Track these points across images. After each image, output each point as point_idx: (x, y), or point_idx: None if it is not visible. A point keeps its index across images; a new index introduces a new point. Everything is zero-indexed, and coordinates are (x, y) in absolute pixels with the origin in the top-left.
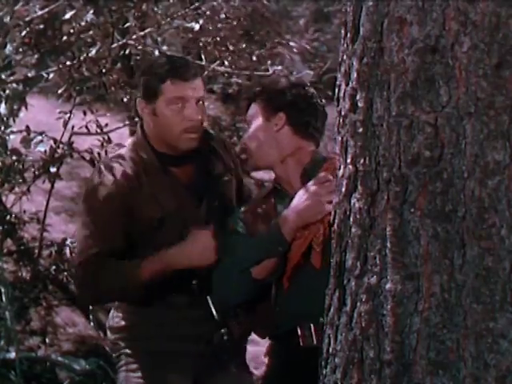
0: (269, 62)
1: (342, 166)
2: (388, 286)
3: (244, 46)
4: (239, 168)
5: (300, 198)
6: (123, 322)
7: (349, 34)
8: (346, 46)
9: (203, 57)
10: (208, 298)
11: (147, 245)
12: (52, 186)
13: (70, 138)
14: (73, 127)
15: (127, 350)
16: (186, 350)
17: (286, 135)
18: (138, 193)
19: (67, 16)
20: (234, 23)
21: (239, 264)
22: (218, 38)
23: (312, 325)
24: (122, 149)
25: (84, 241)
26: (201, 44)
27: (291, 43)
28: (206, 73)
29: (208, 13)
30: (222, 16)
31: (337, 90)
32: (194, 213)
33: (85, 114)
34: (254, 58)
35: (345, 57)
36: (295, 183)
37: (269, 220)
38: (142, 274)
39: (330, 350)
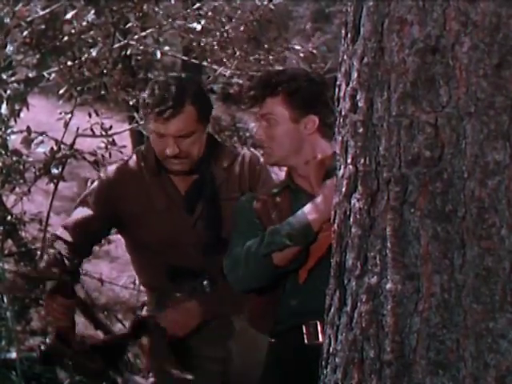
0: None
1: (342, 166)
2: (388, 286)
3: (251, 50)
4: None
5: (330, 190)
6: None
7: (349, 34)
8: (346, 46)
9: (208, 59)
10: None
11: (133, 235)
12: (55, 188)
13: (74, 140)
14: (77, 129)
15: None
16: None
17: (315, 138)
18: (126, 187)
19: (68, 16)
20: (242, 28)
21: (263, 248)
22: (224, 42)
23: (318, 322)
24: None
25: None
26: (202, 45)
27: (297, 47)
28: (210, 77)
29: (210, 14)
30: (226, 17)
31: (337, 90)
32: (183, 218)
33: (90, 116)
34: (262, 63)
35: (345, 57)
36: (317, 184)
37: (284, 216)
38: None
39: (331, 349)
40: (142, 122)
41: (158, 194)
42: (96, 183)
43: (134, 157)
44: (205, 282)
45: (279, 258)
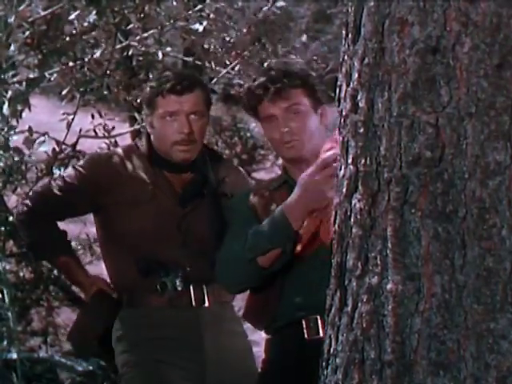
0: None
1: (342, 167)
2: (389, 286)
3: (253, 52)
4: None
5: (301, 186)
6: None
7: (350, 35)
8: (347, 46)
9: (211, 62)
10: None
11: (112, 224)
12: None
13: (76, 141)
14: (80, 130)
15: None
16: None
17: (324, 128)
18: (113, 171)
19: (72, 17)
20: (244, 30)
21: (247, 253)
22: (226, 43)
23: (318, 316)
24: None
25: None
26: (206, 46)
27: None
28: (214, 79)
29: (212, 15)
30: (229, 19)
31: (338, 91)
32: (172, 209)
33: (93, 117)
34: (265, 65)
35: (346, 57)
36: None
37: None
38: (55, 260)
39: (331, 350)
40: (143, 123)
41: (144, 185)
42: (86, 158)
43: (127, 146)
44: (177, 280)
45: (264, 260)
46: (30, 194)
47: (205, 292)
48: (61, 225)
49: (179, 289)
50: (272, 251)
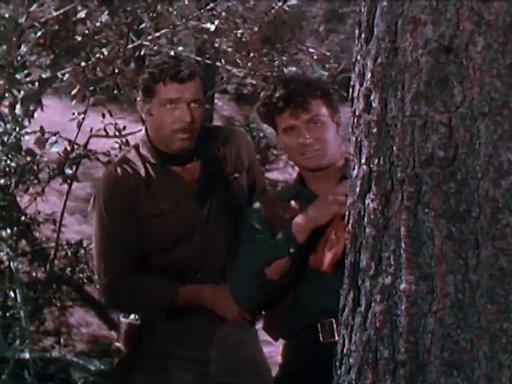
0: (290, 68)
1: (356, 167)
2: (402, 286)
3: (265, 51)
4: (255, 166)
5: (312, 204)
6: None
7: (363, 35)
8: (360, 46)
9: (222, 60)
10: None
11: (142, 240)
12: (69, 188)
13: (88, 141)
14: (91, 129)
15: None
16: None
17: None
18: (138, 191)
19: (82, 14)
20: (256, 29)
21: (251, 265)
22: (238, 42)
23: (334, 320)
24: (128, 150)
25: (106, 257)
26: (217, 45)
27: (311, 50)
28: (224, 77)
29: (223, 14)
30: (240, 18)
31: (351, 91)
32: (194, 212)
33: (103, 116)
34: (276, 64)
35: (359, 57)
36: (332, 187)
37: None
38: (177, 300)
39: (345, 350)
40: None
41: (165, 194)
42: (103, 188)
43: (132, 154)
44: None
45: (271, 272)
46: (99, 282)
47: None
48: (74, 226)
49: None
50: (277, 262)
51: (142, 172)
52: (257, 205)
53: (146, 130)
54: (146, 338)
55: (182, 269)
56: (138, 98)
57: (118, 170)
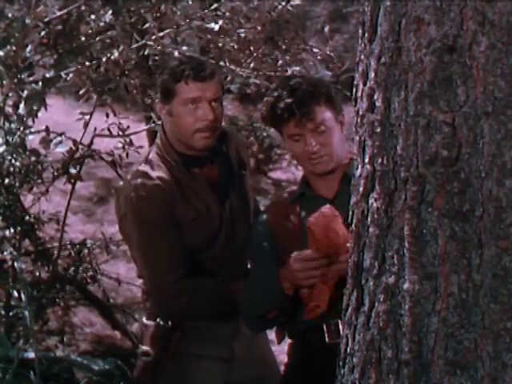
0: (293, 68)
1: (359, 166)
2: (406, 285)
3: (268, 51)
4: (249, 166)
5: (294, 260)
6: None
7: (366, 34)
8: (363, 45)
9: (226, 60)
10: None
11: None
12: (73, 188)
13: (92, 140)
14: (95, 129)
15: None
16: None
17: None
18: (174, 196)
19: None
20: (259, 28)
21: (250, 312)
22: (242, 42)
23: (339, 320)
24: (148, 153)
25: (162, 262)
26: (221, 45)
27: (315, 49)
28: (228, 77)
29: (227, 14)
30: (244, 18)
31: (354, 90)
32: (220, 212)
33: (107, 116)
34: (279, 63)
35: (362, 57)
36: (334, 188)
37: (292, 231)
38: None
39: (348, 349)
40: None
41: (196, 197)
42: (152, 210)
43: (155, 158)
44: None
45: (287, 287)
46: (153, 294)
47: None
48: (78, 226)
49: None
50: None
51: (171, 176)
52: (262, 215)
53: (164, 132)
54: (174, 339)
55: (212, 267)
56: (157, 100)
57: (148, 175)
